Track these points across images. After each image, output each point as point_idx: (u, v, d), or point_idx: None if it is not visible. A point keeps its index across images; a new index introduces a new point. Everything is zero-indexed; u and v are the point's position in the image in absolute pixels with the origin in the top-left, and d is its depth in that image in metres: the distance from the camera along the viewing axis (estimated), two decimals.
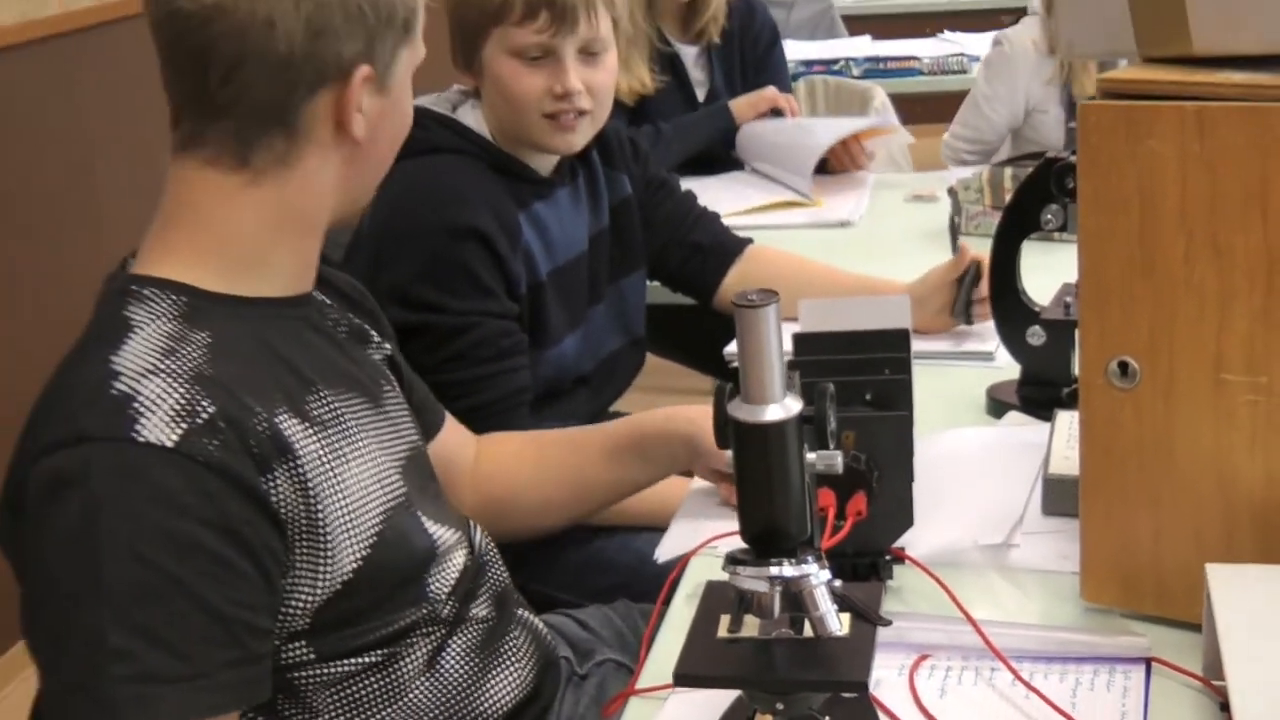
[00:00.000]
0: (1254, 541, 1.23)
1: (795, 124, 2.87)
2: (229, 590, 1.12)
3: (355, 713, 1.26)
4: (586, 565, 1.84)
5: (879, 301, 1.67)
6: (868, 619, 1.10)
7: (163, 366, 1.14)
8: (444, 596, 1.33)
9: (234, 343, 1.20)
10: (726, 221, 2.62)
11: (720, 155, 2.98)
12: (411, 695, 1.29)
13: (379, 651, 1.27)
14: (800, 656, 1.07)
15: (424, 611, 1.30)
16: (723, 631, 1.10)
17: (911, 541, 1.48)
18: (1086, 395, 1.27)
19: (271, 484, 1.16)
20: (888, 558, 1.40)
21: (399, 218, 1.80)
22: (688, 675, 1.07)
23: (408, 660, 1.29)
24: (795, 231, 2.61)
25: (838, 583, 1.10)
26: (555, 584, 1.82)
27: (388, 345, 1.46)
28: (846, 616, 1.10)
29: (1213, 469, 1.23)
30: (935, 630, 1.32)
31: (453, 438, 1.60)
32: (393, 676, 1.28)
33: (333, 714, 1.25)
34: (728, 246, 2.13)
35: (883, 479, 1.36)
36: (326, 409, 1.25)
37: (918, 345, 1.96)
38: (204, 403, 1.13)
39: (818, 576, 1.05)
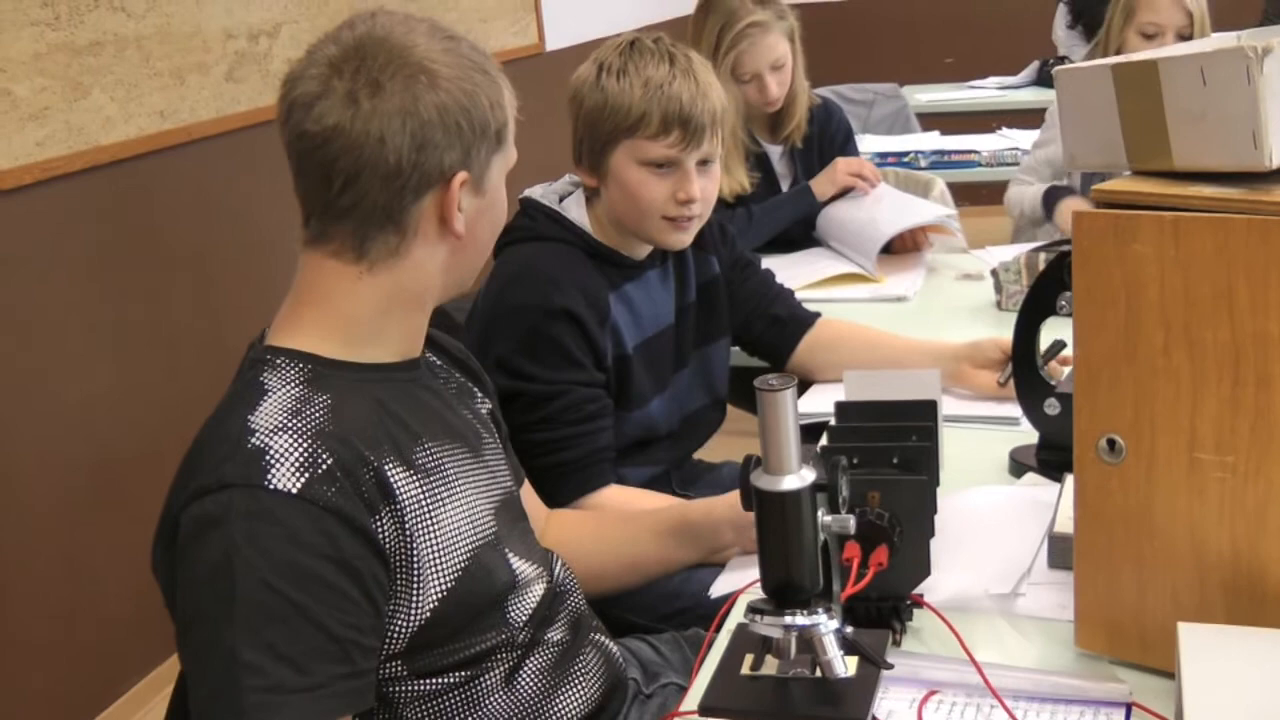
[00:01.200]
0: (1223, 602, 1.24)
1: (870, 204, 2.89)
2: (342, 615, 1.18)
3: None
4: (662, 594, 1.88)
5: (913, 375, 1.70)
6: (872, 662, 1.12)
7: (290, 424, 1.21)
8: (522, 623, 1.37)
9: (351, 403, 1.26)
10: (801, 293, 2.69)
11: (800, 236, 3.02)
12: (489, 708, 1.34)
13: (463, 672, 1.32)
14: (810, 694, 1.10)
15: (503, 636, 1.35)
16: (746, 669, 1.13)
17: (932, 587, 1.50)
18: (1079, 467, 1.29)
19: (379, 524, 1.22)
20: (907, 603, 1.42)
21: (505, 297, 1.87)
22: (711, 708, 1.10)
23: (488, 678, 1.34)
24: (859, 305, 2.64)
25: (849, 629, 1.13)
26: (634, 610, 1.86)
27: (489, 401, 1.52)
28: (854, 659, 1.13)
29: (1188, 536, 1.24)
30: (944, 669, 1.33)
31: (528, 498, 1.65)
32: (474, 692, 1.33)
33: None
34: (801, 319, 2.20)
35: (904, 534, 1.38)
36: (430, 458, 1.31)
37: (954, 409, 2.00)
38: (324, 455, 1.20)
39: (826, 625, 1.09)
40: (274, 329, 1.32)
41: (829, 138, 3.04)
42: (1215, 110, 1.17)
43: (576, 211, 1.94)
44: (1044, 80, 4.97)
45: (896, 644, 1.40)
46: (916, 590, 1.47)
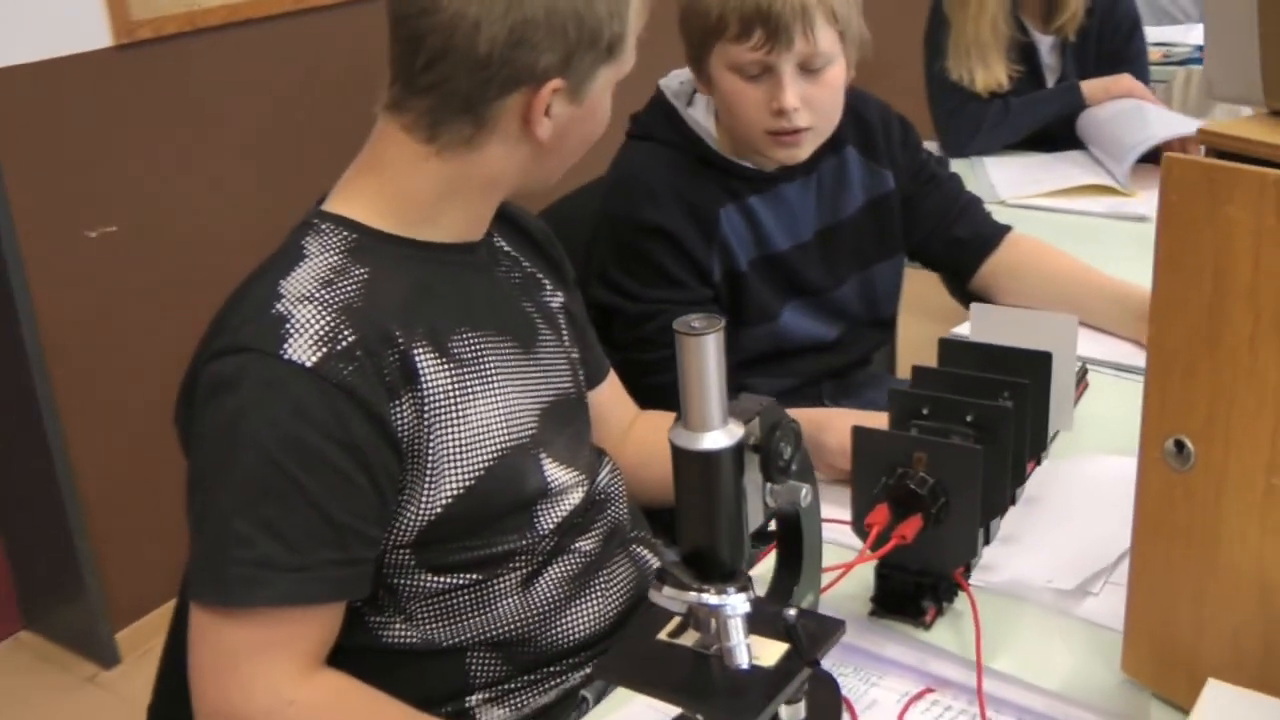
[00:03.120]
0: None
1: (1135, 109, 2.50)
2: (344, 499, 1.09)
3: (444, 620, 1.21)
4: None
5: (1049, 318, 1.43)
6: (800, 656, 0.93)
7: (318, 295, 1.12)
8: (548, 531, 1.25)
9: (390, 279, 1.16)
10: (1038, 200, 2.36)
11: (1063, 134, 2.65)
12: (499, 609, 1.23)
13: (475, 574, 1.21)
14: (709, 678, 0.92)
15: (525, 541, 1.23)
16: (665, 633, 0.97)
17: (994, 566, 1.27)
18: (1143, 467, 1.02)
19: (397, 410, 1.12)
20: (948, 582, 1.20)
21: (607, 203, 1.70)
22: (605, 668, 0.95)
23: (501, 582, 1.23)
24: (1091, 219, 2.29)
25: (792, 612, 0.94)
26: None
27: (561, 294, 1.37)
28: (778, 646, 0.94)
29: (1257, 577, 0.96)
30: (953, 667, 1.12)
31: (610, 396, 1.50)
32: (485, 594, 1.22)
33: (424, 620, 1.21)
34: (987, 238, 1.88)
35: (949, 506, 1.16)
36: (468, 347, 1.20)
37: (1122, 357, 1.68)
38: (346, 331, 1.10)
39: (734, 608, 0.90)
40: (334, 193, 1.22)
41: (1111, 28, 2.61)
42: None
43: (705, 111, 1.71)
44: None
45: (925, 626, 1.19)
46: (972, 567, 1.24)
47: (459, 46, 1.12)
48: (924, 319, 2.67)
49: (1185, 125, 2.44)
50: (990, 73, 2.57)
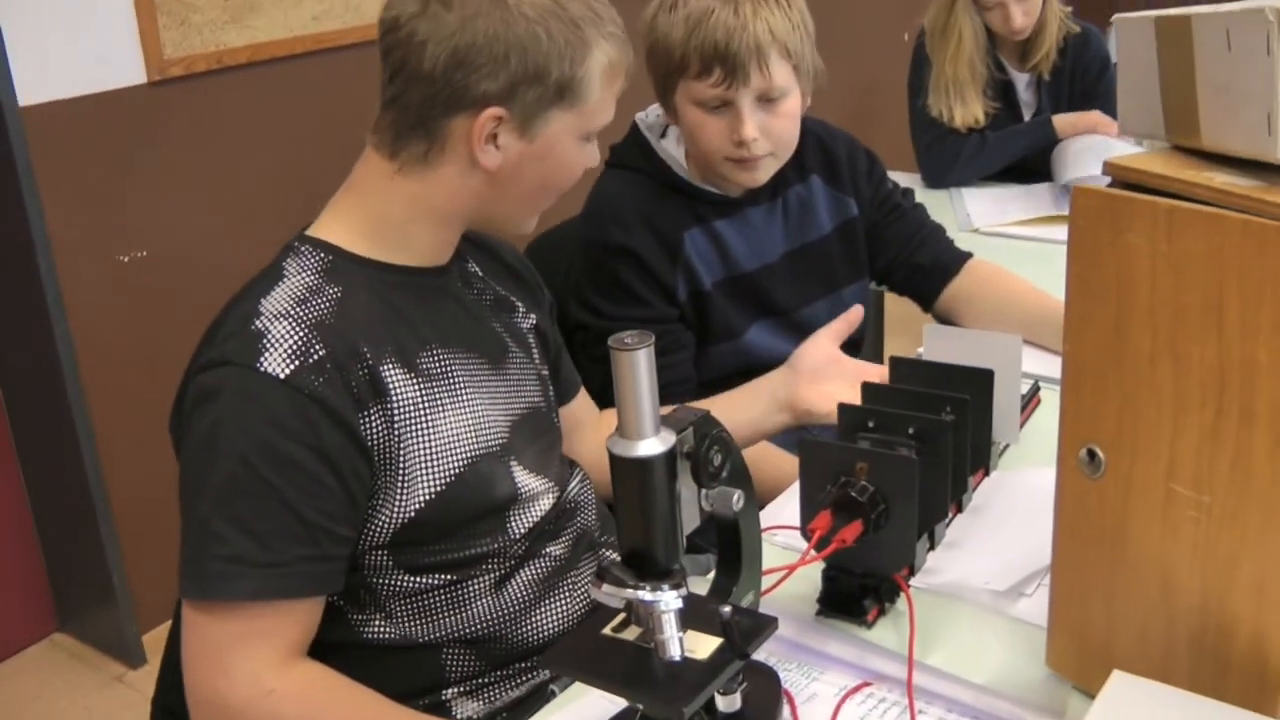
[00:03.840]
0: (1188, 657, 0.99)
1: (1100, 144, 2.54)
2: (314, 500, 1.14)
3: (420, 618, 1.26)
4: None
5: (996, 339, 1.47)
6: (733, 649, 0.97)
7: (293, 312, 1.17)
8: (520, 535, 1.29)
9: (361, 299, 1.21)
10: (1005, 229, 2.40)
11: (1042, 165, 2.69)
12: (473, 609, 1.27)
13: (450, 574, 1.25)
14: (647, 670, 0.96)
15: (497, 545, 1.27)
16: (608, 630, 1.01)
17: (937, 569, 1.30)
18: (1061, 475, 1.06)
19: (366, 419, 1.17)
20: (888, 584, 1.24)
21: (581, 228, 1.76)
22: (552, 659, 0.99)
23: (476, 583, 1.27)
24: (1059, 246, 2.31)
25: (727, 609, 0.98)
26: None
27: (534, 316, 1.42)
28: (715, 641, 0.98)
29: (1158, 577, 1.00)
30: (889, 662, 1.16)
31: (583, 406, 1.56)
32: (460, 594, 1.27)
33: (401, 618, 1.25)
34: (947, 265, 1.92)
35: (889, 513, 1.20)
36: (436, 363, 1.24)
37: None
38: (317, 346, 1.15)
39: (668, 603, 0.94)
40: (319, 217, 1.28)
41: (1083, 68, 2.66)
42: (1238, 82, 0.89)
43: (675, 143, 1.76)
44: None
45: (868, 625, 1.23)
46: (916, 569, 1.28)
47: (410, 62, 1.18)
48: (905, 338, 2.70)
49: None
50: (968, 109, 2.62)
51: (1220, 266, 0.89)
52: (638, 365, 0.90)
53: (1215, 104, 0.93)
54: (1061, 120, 2.62)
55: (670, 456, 0.94)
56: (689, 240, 1.72)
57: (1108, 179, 2.40)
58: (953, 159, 2.65)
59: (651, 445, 0.93)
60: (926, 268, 1.91)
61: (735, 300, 1.77)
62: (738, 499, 0.99)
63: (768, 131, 1.64)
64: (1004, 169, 2.70)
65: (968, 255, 1.93)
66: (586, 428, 1.55)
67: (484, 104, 1.18)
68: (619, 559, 0.97)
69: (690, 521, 1.00)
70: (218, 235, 2.64)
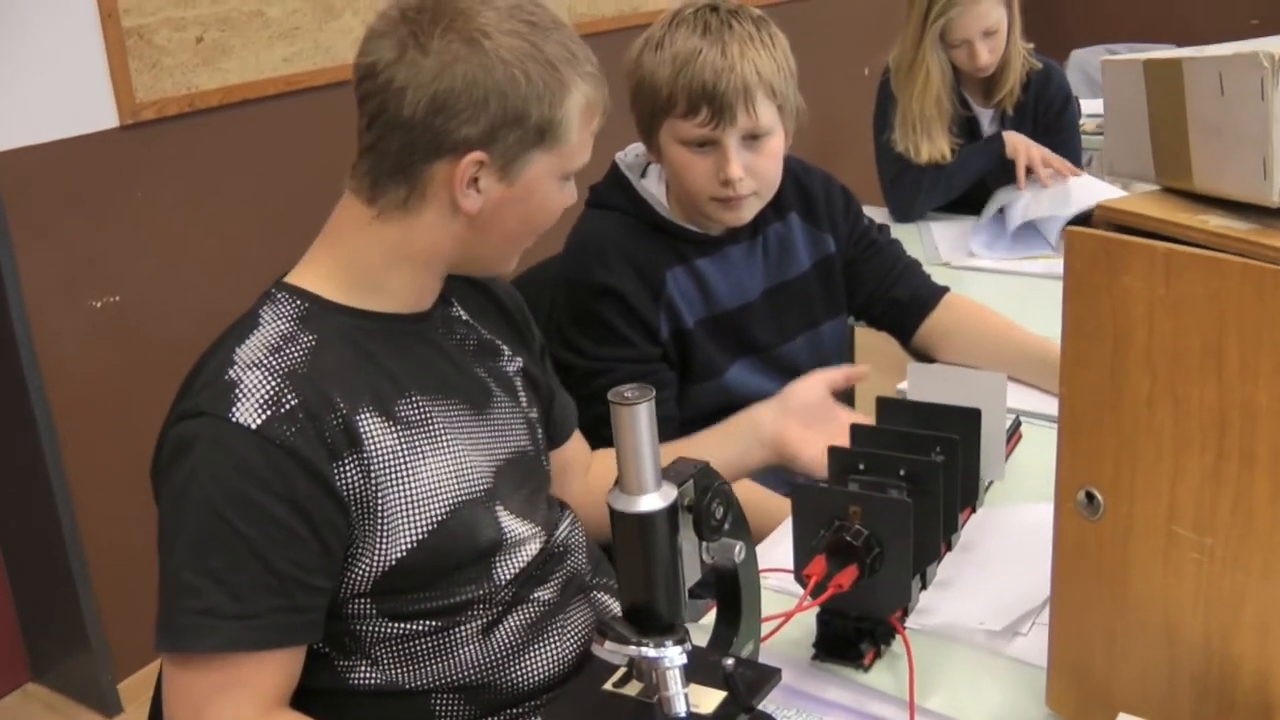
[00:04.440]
0: (1191, 698, 0.98)
1: (1063, 183, 2.54)
2: (287, 551, 1.11)
3: (407, 664, 1.22)
4: None
5: (981, 377, 1.45)
6: (737, 702, 0.94)
7: (265, 361, 1.14)
8: (506, 581, 1.26)
9: (336, 347, 1.18)
10: (975, 262, 2.39)
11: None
12: (460, 656, 1.24)
13: (435, 621, 1.22)
14: None
15: (483, 591, 1.24)
16: (609, 685, 0.98)
17: (930, 610, 1.28)
18: (1059, 517, 1.04)
19: (340, 469, 1.14)
20: (884, 627, 1.21)
21: (563, 268, 1.73)
22: (553, 716, 0.96)
23: (462, 630, 1.24)
24: (1027, 279, 2.33)
25: (729, 661, 0.95)
26: None
27: (521, 359, 1.39)
28: (718, 694, 0.95)
29: (1161, 618, 0.98)
30: (888, 707, 1.13)
31: (576, 447, 1.53)
32: (447, 641, 1.23)
33: (387, 664, 1.22)
34: (924, 300, 1.91)
35: (883, 556, 1.17)
36: (415, 410, 1.21)
37: (1045, 407, 1.70)
38: (289, 396, 1.12)
39: (672, 660, 0.92)
40: (299, 264, 1.25)
41: (1045, 104, 2.67)
42: (1232, 126, 0.89)
43: (656, 182, 1.74)
44: None
45: (864, 669, 1.21)
46: (909, 610, 1.26)
47: (389, 108, 1.15)
48: (880, 372, 2.69)
49: (1106, 192, 2.47)
50: (934, 145, 2.61)
51: (1219, 310, 0.88)
52: (638, 420, 0.88)
53: (1207, 147, 0.92)
54: (1013, 136, 2.62)
55: (672, 511, 0.91)
56: (671, 279, 1.70)
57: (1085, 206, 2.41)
58: (915, 191, 2.65)
59: (653, 500, 0.90)
60: (904, 303, 1.90)
61: (717, 339, 1.75)
62: (739, 551, 0.97)
63: (752, 171, 1.63)
64: (966, 200, 2.69)
65: (944, 290, 1.93)
66: (578, 468, 1.52)
67: (465, 149, 1.16)
68: (619, 614, 0.94)
69: (692, 574, 0.98)
70: (191, 279, 2.59)
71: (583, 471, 1.53)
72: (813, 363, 1.87)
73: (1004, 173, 2.63)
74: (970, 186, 2.67)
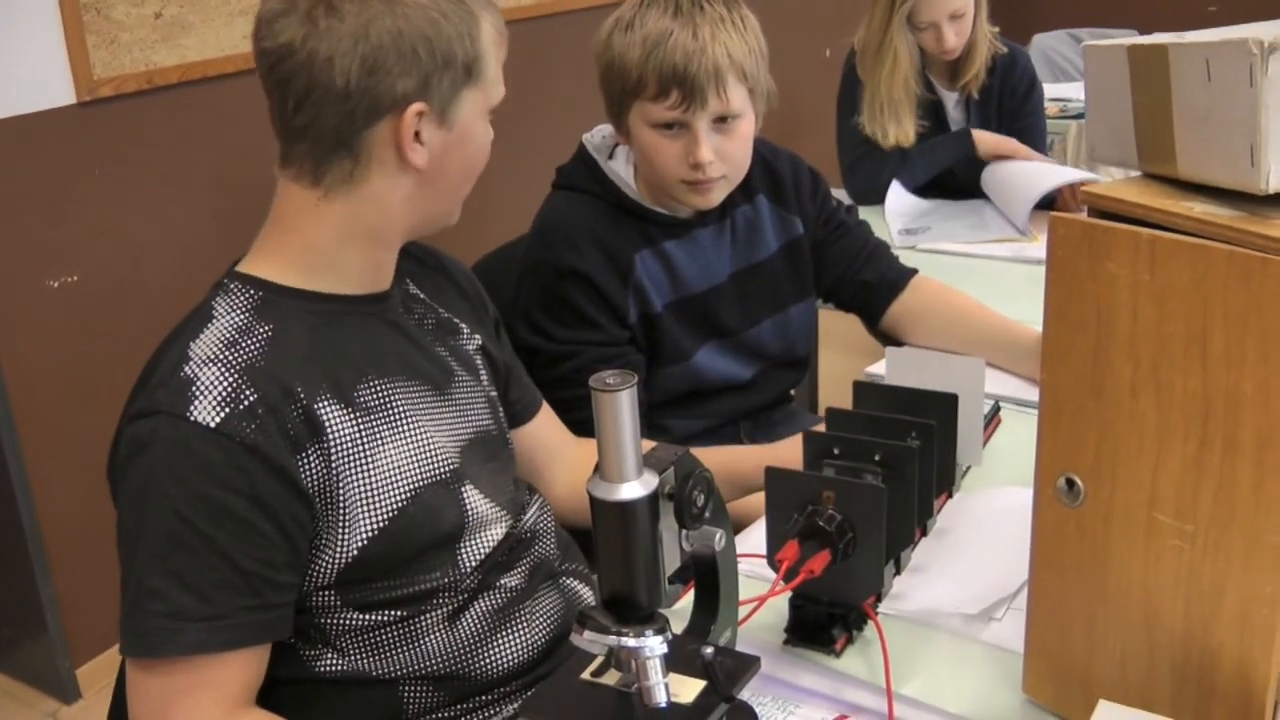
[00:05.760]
0: (1171, 684, 0.97)
1: (1031, 167, 2.54)
2: (252, 549, 1.08)
3: (372, 653, 1.20)
4: None
5: (959, 362, 1.44)
6: (716, 691, 0.93)
7: (221, 356, 1.11)
8: (471, 568, 1.23)
9: (293, 336, 1.15)
10: (943, 245, 2.39)
11: (972, 183, 2.68)
12: (427, 644, 1.22)
13: (400, 610, 1.19)
14: (630, 715, 0.92)
15: (448, 579, 1.22)
16: (587, 674, 0.96)
17: (905, 595, 1.27)
18: (1038, 503, 1.03)
19: (303, 461, 1.11)
20: (856, 613, 1.20)
21: (529, 250, 1.71)
22: (530, 708, 0.94)
23: (428, 618, 1.21)
24: (997, 263, 2.32)
25: (709, 650, 0.94)
26: None
27: (479, 337, 1.36)
28: (697, 683, 0.94)
29: (1141, 603, 0.97)
30: (865, 693, 1.12)
31: (546, 425, 1.50)
32: (412, 629, 1.21)
33: (353, 653, 1.20)
34: (892, 282, 1.90)
35: (856, 541, 1.16)
36: (375, 395, 1.19)
37: (1028, 394, 1.70)
38: (248, 391, 1.09)
39: (652, 649, 0.90)
40: (248, 253, 1.21)
41: (1010, 88, 2.67)
42: (1219, 113, 0.87)
43: (624, 164, 1.72)
44: None
45: (835, 654, 1.20)
46: (883, 595, 1.25)
47: (319, 83, 1.11)
48: (842, 355, 2.69)
49: (1070, 175, 2.47)
50: (901, 128, 2.61)
51: (1204, 297, 0.87)
52: (620, 406, 0.86)
53: (1193, 134, 0.91)
54: (981, 136, 2.62)
55: (653, 499, 0.89)
56: (639, 262, 1.68)
57: (1047, 189, 2.41)
58: (876, 174, 2.63)
59: (633, 488, 0.89)
60: (872, 284, 1.89)
61: (685, 322, 1.73)
62: (719, 539, 0.95)
63: (722, 154, 1.61)
64: (928, 184, 2.68)
65: (913, 271, 1.92)
66: (551, 451, 1.49)
67: (405, 103, 1.13)
68: (589, 600, 0.92)
69: (671, 562, 0.96)
70: (150, 258, 2.54)
71: (555, 450, 1.50)
72: (780, 346, 1.86)
73: (968, 166, 2.63)
74: (931, 177, 2.67)
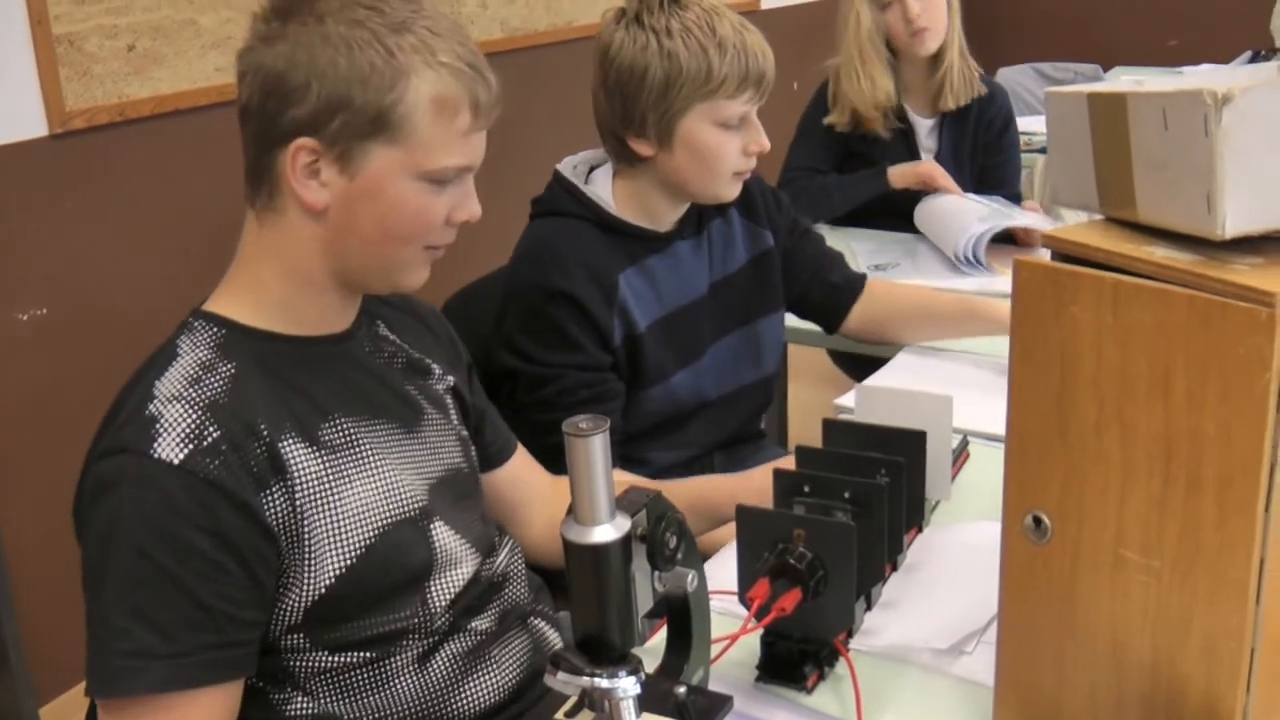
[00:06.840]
0: (1139, 716, 0.99)
1: (959, 209, 2.54)
2: (216, 586, 1.08)
3: (343, 696, 1.20)
4: None
5: (928, 399, 1.46)
6: None
7: (185, 394, 1.11)
8: (441, 609, 1.23)
9: (255, 374, 1.15)
10: (922, 280, 2.41)
11: (878, 211, 2.69)
12: (396, 688, 1.21)
13: (369, 651, 1.19)
14: None
15: (418, 619, 1.21)
16: (560, 715, 0.96)
17: (875, 630, 1.28)
18: (1006, 540, 1.05)
19: (268, 499, 1.11)
20: (827, 650, 1.21)
21: (513, 275, 1.72)
22: None
23: (397, 660, 1.21)
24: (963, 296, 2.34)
25: (682, 689, 0.94)
26: None
27: (451, 377, 1.36)
28: None
29: (1109, 637, 0.99)
30: None
31: (522, 467, 1.50)
32: (382, 672, 1.20)
33: (323, 696, 1.19)
34: (854, 284, 2.02)
35: (827, 578, 1.17)
36: (340, 434, 1.19)
37: (992, 426, 1.71)
38: (211, 428, 1.09)
39: (625, 690, 0.91)
40: (215, 290, 1.22)
41: (987, 120, 2.69)
42: (1176, 160, 0.89)
43: (603, 184, 1.74)
44: None
45: (807, 691, 1.20)
46: (854, 631, 1.26)
47: (241, 101, 1.15)
48: (813, 389, 2.71)
49: (1001, 221, 2.48)
50: (877, 86, 2.63)
51: (1166, 340, 0.89)
52: (593, 451, 0.87)
53: (1151, 180, 0.93)
54: (895, 171, 2.65)
55: (626, 541, 0.90)
56: (624, 281, 1.70)
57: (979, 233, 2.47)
58: (796, 196, 2.63)
59: (606, 531, 0.89)
60: (839, 286, 2.00)
61: (667, 341, 1.75)
62: (692, 579, 0.96)
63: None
64: (874, 213, 2.70)
65: (864, 276, 2.04)
66: (527, 491, 1.49)
67: (293, 134, 1.12)
68: (559, 643, 0.93)
69: (644, 603, 0.97)
70: (121, 292, 2.53)
71: (533, 490, 1.50)
72: (748, 358, 1.88)
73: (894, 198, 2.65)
74: (851, 209, 2.69)
